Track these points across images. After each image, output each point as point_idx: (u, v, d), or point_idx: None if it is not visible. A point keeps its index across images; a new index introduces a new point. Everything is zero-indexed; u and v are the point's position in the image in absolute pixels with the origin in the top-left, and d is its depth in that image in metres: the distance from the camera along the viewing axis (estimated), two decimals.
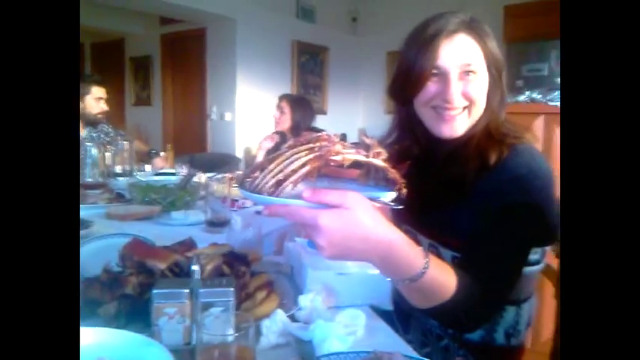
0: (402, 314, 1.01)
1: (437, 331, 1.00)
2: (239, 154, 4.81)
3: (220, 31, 5.03)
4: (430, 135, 0.94)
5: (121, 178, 2.22)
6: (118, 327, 0.72)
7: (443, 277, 0.73)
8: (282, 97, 3.04)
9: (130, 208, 1.70)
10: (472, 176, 0.88)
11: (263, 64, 5.14)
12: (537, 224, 0.85)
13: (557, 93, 1.97)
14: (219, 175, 2.01)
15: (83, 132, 2.74)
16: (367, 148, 0.73)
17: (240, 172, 2.09)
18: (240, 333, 0.64)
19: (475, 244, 0.84)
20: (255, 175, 0.67)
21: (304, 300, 0.86)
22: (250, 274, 0.88)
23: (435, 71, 0.87)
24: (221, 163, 3.77)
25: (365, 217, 0.63)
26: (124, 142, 2.37)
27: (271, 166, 0.66)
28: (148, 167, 2.65)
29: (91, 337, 0.66)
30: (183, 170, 2.30)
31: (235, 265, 0.86)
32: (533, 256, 0.92)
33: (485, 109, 0.91)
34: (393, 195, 0.70)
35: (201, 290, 0.72)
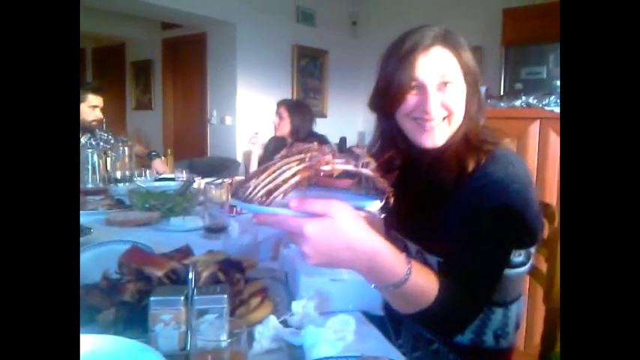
0: (393, 319, 1.03)
1: (427, 336, 1.02)
2: (239, 158, 4.83)
3: (220, 36, 5.06)
4: (412, 145, 0.96)
5: (120, 184, 2.24)
6: (116, 333, 0.74)
7: (425, 283, 0.76)
8: (280, 103, 3.06)
9: (129, 214, 1.72)
10: (452, 183, 0.90)
11: (263, 68, 5.17)
12: (516, 226, 0.87)
13: (552, 98, 2.00)
14: (218, 181, 2.01)
15: (82, 139, 2.76)
16: (357, 157, 0.75)
17: (240, 178, 2.10)
18: (233, 339, 0.66)
19: (456, 247, 0.87)
20: (249, 184, 0.70)
21: (296, 306, 0.88)
22: (245, 281, 0.90)
23: (413, 84, 0.90)
24: (221, 167, 3.79)
25: (348, 226, 0.65)
26: (125, 148, 2.38)
27: (263, 176, 0.69)
28: (148, 172, 2.67)
29: (88, 344, 0.68)
30: (183, 176, 2.32)
31: (230, 272, 0.87)
32: (517, 258, 0.95)
33: (464, 118, 0.93)
34: (378, 204, 0.72)
35: (196, 297, 0.74)
